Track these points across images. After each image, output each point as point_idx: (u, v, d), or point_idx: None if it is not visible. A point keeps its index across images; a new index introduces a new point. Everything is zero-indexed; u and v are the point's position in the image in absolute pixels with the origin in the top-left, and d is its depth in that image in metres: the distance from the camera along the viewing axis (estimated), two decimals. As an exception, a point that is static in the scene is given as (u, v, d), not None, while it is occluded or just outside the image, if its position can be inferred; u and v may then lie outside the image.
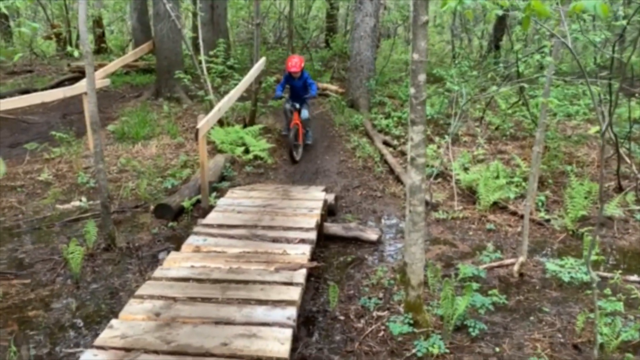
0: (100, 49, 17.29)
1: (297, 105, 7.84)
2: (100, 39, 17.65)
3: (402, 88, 11.02)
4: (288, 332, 3.04)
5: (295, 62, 7.86)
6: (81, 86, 7.85)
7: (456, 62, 8.68)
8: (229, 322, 3.14)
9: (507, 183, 6.58)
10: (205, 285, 3.61)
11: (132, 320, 3.13)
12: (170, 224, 5.74)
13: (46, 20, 18.80)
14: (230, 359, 2.79)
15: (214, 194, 6.40)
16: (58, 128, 8.62)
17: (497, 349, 3.69)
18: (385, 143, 8.58)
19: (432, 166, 7.12)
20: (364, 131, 9.12)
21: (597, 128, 8.20)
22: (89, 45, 4.78)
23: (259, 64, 8.25)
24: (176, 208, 5.93)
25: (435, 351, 3.50)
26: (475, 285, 4.36)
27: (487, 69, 9.97)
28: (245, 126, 8.67)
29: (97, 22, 18.35)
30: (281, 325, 3.12)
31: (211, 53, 9.15)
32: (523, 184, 6.60)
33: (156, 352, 2.83)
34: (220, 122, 8.47)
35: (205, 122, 5.71)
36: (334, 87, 11.79)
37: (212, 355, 2.82)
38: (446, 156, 7.70)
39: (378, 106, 10.13)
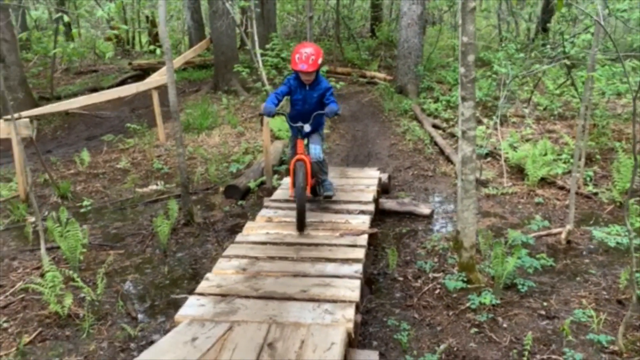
0: (158, 46, 18.30)
1: (304, 129, 4.64)
2: (154, 38, 18.68)
3: (449, 73, 11.28)
4: (357, 282, 3.51)
5: (308, 54, 4.42)
6: (151, 81, 8.57)
7: (503, 45, 8.88)
8: (305, 275, 3.64)
9: (555, 160, 6.83)
10: (281, 247, 4.12)
11: (224, 274, 3.68)
12: (240, 202, 6.31)
13: (106, 23, 19.95)
14: (310, 302, 3.28)
15: (275, 176, 6.93)
16: (128, 121, 9.39)
17: (545, 304, 4.05)
18: (435, 126, 8.92)
19: (481, 146, 7.46)
20: (413, 115, 9.48)
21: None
22: (168, 42, 5.38)
23: (312, 55, 8.71)
24: (243, 189, 6.50)
25: (487, 302, 3.90)
26: (524, 251, 4.70)
27: (534, 51, 10.09)
28: (300, 114, 9.19)
29: (152, 22, 19.40)
30: (350, 277, 3.59)
31: (267, 46, 9.69)
32: (571, 160, 6.80)
33: (247, 296, 3.35)
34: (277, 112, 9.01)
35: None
36: (381, 75, 12.18)
37: (294, 299, 3.32)
38: (495, 136, 7.99)
39: (426, 91, 10.46)
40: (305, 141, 4.79)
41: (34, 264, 4.79)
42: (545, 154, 6.82)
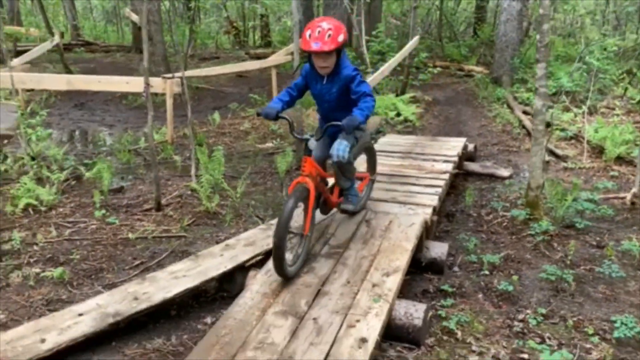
0: (267, 42, 20.26)
1: (309, 144, 3.41)
2: (266, 33, 20.58)
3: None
4: (435, 197, 4.49)
5: (324, 29, 3.27)
6: (271, 60, 9.99)
7: (598, 38, 9.27)
8: (395, 191, 4.67)
9: (636, 144, 7.29)
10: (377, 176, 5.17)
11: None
12: (341, 158, 7.44)
13: (226, 18, 22.12)
14: (397, 203, 4.32)
15: (372, 142, 7.98)
16: (247, 97, 10.87)
17: (598, 239, 4.76)
18: (525, 112, 9.52)
19: (563, 129, 8.10)
20: (505, 103, 10.14)
21: None
22: (297, 16, 6.60)
23: (413, 42, 9.69)
24: (345, 148, 7.62)
25: (545, 226, 4.69)
26: (587, 205, 5.37)
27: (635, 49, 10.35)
28: (397, 95, 10.19)
29: (265, 19, 21.25)
30: (430, 194, 4.57)
31: (373, 33, 10.81)
32: (653, 144, 7.23)
33: (350, 197, 4.44)
34: (377, 92, 10.08)
35: (372, 79, 7.33)
36: (479, 69, 12.86)
37: (385, 200, 4.38)
38: (582, 122, 8.51)
39: (520, 82, 11.04)
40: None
41: (184, 184, 6.18)
42: (626, 135, 7.30)
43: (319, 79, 3.54)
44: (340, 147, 3.47)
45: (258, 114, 3.51)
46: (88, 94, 11.37)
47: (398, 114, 9.43)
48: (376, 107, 9.49)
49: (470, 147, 7.36)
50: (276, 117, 3.44)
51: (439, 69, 11.57)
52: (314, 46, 3.26)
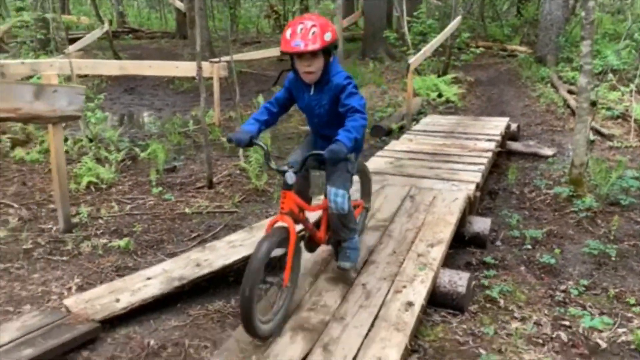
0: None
1: (286, 178, 2.70)
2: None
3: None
4: (478, 173, 4.59)
5: (307, 28, 2.67)
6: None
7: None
8: (438, 168, 4.79)
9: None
10: (419, 154, 5.31)
11: (377, 162, 4.97)
12: (383, 138, 7.57)
13: (266, 3, 22.33)
14: (441, 180, 4.44)
15: (414, 122, 8.06)
16: (291, 79, 11.08)
17: (643, 215, 4.77)
18: (570, 92, 9.38)
19: (609, 108, 7.99)
20: (549, 82, 10.01)
21: None
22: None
23: (455, 22, 9.64)
24: (386, 128, 7.74)
25: (588, 202, 4.73)
26: (633, 182, 5.35)
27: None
28: (439, 76, 10.20)
29: (305, 2, 21.36)
30: (473, 171, 4.68)
31: (414, 14, 10.81)
32: None
33: (394, 174, 4.61)
34: (418, 72, 10.11)
35: (414, 59, 7.39)
36: (522, 49, 12.67)
37: (429, 177, 4.51)
38: (630, 101, 8.35)
39: (565, 62, 10.84)
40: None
41: (233, 164, 6.45)
42: (676, 113, 7.16)
43: (306, 89, 2.95)
44: (338, 199, 2.93)
45: (229, 140, 2.82)
46: (137, 79, 11.81)
47: (440, 95, 9.46)
48: (418, 88, 9.56)
49: (513, 126, 7.36)
50: (250, 144, 2.78)
51: (481, 49, 11.47)
52: (295, 45, 2.66)
